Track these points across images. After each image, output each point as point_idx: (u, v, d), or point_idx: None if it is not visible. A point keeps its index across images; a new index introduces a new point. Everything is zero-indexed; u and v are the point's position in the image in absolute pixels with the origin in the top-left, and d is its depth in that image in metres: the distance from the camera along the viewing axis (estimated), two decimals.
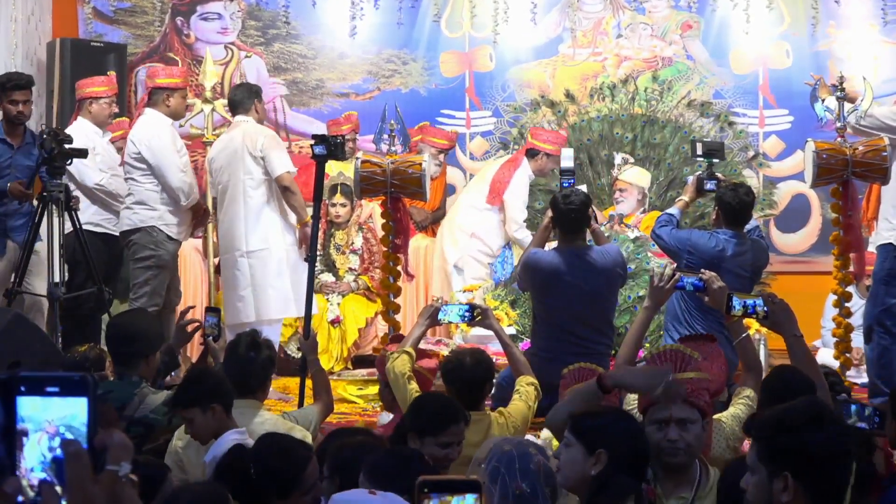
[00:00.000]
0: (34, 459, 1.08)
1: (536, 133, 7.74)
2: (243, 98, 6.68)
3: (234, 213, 6.56)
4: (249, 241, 6.51)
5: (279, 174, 6.41)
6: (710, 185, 5.84)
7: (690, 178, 6.04)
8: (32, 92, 6.55)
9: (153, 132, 6.70)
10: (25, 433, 1.08)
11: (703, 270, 4.12)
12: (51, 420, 1.09)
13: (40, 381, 1.07)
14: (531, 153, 7.60)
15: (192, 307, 5.00)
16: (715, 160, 6.02)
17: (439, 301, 5.15)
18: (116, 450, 1.10)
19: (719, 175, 5.98)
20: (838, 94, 5.97)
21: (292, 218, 6.60)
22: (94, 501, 1.08)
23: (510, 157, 7.82)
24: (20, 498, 1.07)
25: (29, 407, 1.08)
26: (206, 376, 3.86)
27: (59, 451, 1.09)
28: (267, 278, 6.50)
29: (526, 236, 7.58)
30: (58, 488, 1.09)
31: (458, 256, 7.63)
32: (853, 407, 3.69)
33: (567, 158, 6.17)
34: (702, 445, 3.12)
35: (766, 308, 3.78)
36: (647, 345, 6.35)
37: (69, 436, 1.09)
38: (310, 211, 7.35)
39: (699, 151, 6.02)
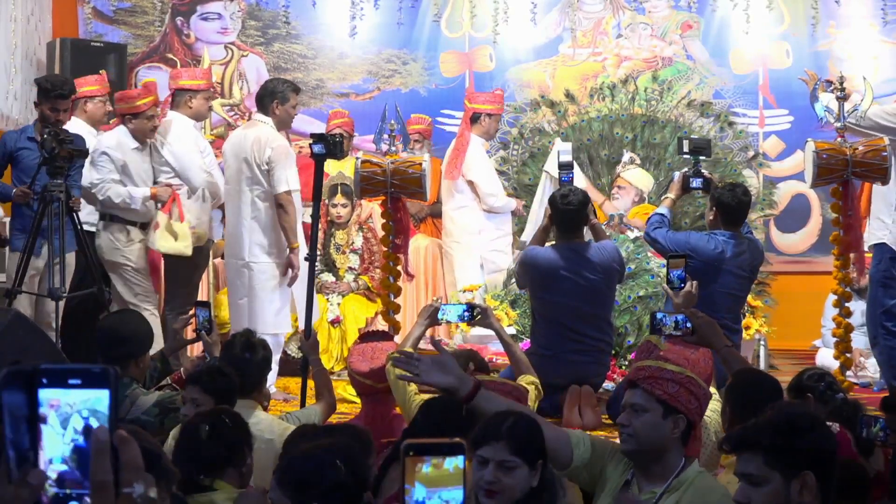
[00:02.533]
0: (54, 449, 1.08)
1: (473, 97, 7.72)
2: (263, 96, 6.45)
3: (239, 220, 6.46)
4: (252, 252, 6.41)
5: (278, 191, 6.25)
6: (695, 183, 5.81)
7: (676, 175, 6.00)
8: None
9: (175, 135, 6.77)
10: (44, 419, 1.07)
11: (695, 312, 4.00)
12: (71, 404, 1.08)
13: (62, 374, 1.08)
14: (474, 118, 7.54)
15: (190, 315, 4.88)
16: (702, 157, 5.99)
17: (438, 301, 5.13)
18: (127, 472, 1.08)
19: (706, 173, 5.95)
20: (837, 94, 5.96)
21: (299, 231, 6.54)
22: None
23: (456, 136, 7.73)
24: (44, 497, 1.07)
25: (51, 399, 1.08)
26: (222, 378, 3.85)
27: (80, 440, 1.08)
28: (265, 292, 6.39)
29: (507, 202, 7.57)
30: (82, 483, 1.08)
31: (479, 258, 7.54)
32: (881, 422, 3.72)
33: (565, 153, 6.16)
34: (657, 438, 2.98)
35: (689, 324, 3.76)
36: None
37: (93, 421, 1.08)
38: (309, 210, 7.33)
39: (686, 149, 5.99)
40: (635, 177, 7.55)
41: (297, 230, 6.36)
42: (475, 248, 7.54)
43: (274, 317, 6.41)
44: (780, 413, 2.42)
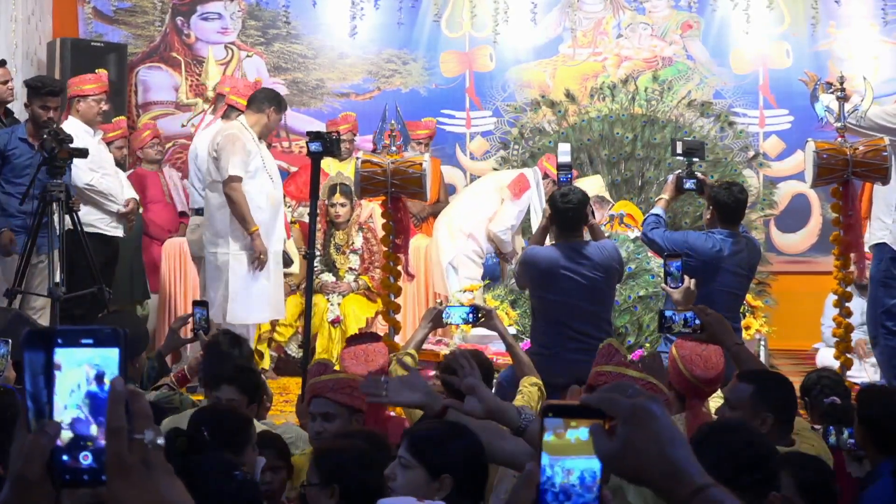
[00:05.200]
0: (66, 396, 1.18)
1: (552, 158, 7.66)
2: (263, 99, 6.54)
3: (204, 216, 6.66)
4: (208, 244, 6.53)
5: (223, 178, 6.32)
6: (689, 184, 5.80)
7: (670, 177, 5.99)
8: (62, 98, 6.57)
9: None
10: (58, 367, 1.18)
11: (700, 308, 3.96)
12: (84, 358, 1.19)
13: (76, 333, 1.19)
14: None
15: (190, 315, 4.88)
16: (695, 159, 5.98)
17: (442, 303, 5.13)
18: (137, 419, 1.18)
19: (699, 174, 5.95)
20: (837, 94, 5.96)
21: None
22: (127, 461, 1.16)
23: (538, 173, 7.71)
24: (59, 442, 1.17)
25: (64, 356, 1.19)
26: (252, 375, 3.93)
27: (92, 387, 1.18)
28: (226, 283, 6.45)
29: (507, 241, 7.54)
30: (93, 427, 1.17)
31: (453, 255, 7.58)
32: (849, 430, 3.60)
33: (564, 153, 6.15)
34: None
35: (698, 321, 3.72)
36: (647, 345, 6.36)
37: (103, 370, 1.18)
38: (305, 210, 7.32)
39: (679, 150, 5.98)
40: (585, 186, 7.46)
41: (279, 215, 6.55)
42: (457, 243, 7.55)
43: (241, 307, 6.44)
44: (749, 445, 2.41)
